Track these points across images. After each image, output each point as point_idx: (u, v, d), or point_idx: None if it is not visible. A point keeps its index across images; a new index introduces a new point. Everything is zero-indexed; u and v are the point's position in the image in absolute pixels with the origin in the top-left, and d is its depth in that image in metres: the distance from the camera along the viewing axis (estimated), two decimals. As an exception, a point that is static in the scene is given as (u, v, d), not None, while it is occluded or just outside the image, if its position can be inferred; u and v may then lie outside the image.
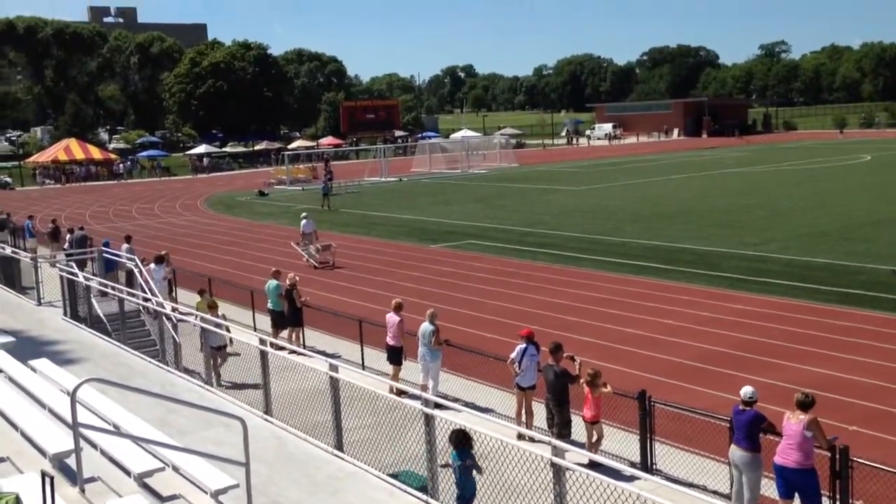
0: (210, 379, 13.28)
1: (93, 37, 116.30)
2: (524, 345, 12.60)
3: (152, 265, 19.42)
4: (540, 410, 12.42)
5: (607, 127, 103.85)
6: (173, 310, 15.10)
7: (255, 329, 17.61)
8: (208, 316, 14.65)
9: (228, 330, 14.37)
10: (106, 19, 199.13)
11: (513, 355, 12.64)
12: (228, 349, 14.97)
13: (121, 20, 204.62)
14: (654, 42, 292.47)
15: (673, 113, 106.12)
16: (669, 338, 17.16)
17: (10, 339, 12.52)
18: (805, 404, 9.18)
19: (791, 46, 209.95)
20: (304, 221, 28.74)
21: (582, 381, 11.58)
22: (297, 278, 18.13)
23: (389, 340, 14.74)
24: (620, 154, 77.05)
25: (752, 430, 9.47)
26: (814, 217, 32.34)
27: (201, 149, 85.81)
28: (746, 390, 9.77)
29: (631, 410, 11.26)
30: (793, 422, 9.16)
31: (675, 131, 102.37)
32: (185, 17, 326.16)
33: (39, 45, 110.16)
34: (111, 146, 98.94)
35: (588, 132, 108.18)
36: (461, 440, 8.46)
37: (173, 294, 21.03)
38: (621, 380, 13.10)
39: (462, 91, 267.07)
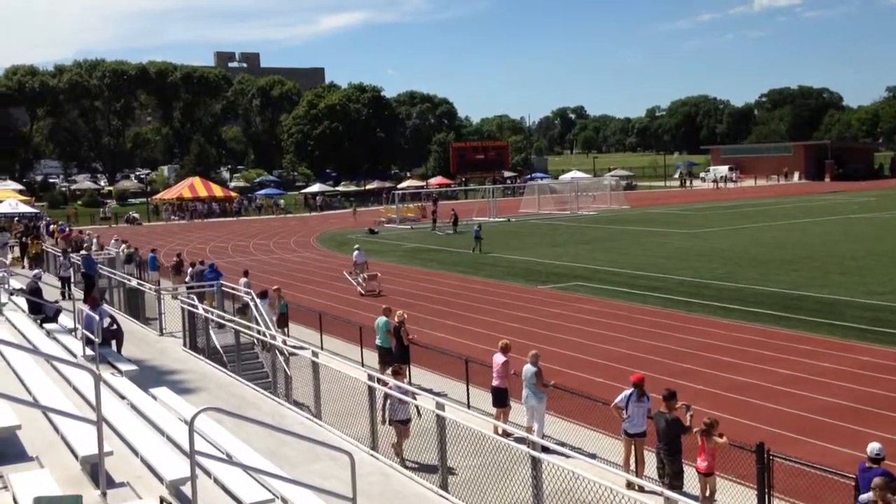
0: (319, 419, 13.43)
1: (218, 81, 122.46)
2: (630, 390, 12.30)
3: (257, 299, 19.94)
4: (651, 459, 12.04)
5: (723, 169, 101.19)
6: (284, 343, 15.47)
7: (362, 365, 17.84)
8: (395, 381, 12.38)
9: (415, 397, 12.21)
10: (231, 64, 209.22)
11: (617, 400, 12.36)
12: (414, 422, 12.23)
13: (244, 65, 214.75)
14: (773, 83, 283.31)
15: (794, 156, 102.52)
16: (789, 389, 16.40)
17: (133, 367, 13.11)
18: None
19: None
20: (356, 253, 31.68)
21: (696, 430, 11.18)
22: (406, 316, 18.30)
23: (495, 381, 14.64)
24: (737, 197, 74.93)
25: (881, 490, 8.89)
26: (947, 266, 30.47)
27: (315, 188, 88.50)
28: (874, 447, 9.22)
29: (748, 464, 10.76)
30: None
31: (796, 175, 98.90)
32: (305, 62, 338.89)
33: (169, 89, 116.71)
34: (232, 184, 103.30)
35: (703, 174, 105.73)
36: None
37: (286, 329, 21.57)
38: (736, 431, 12.57)
39: (572, 132, 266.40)
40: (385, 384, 12.36)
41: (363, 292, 29.56)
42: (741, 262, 33.45)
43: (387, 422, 12.05)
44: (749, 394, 16.18)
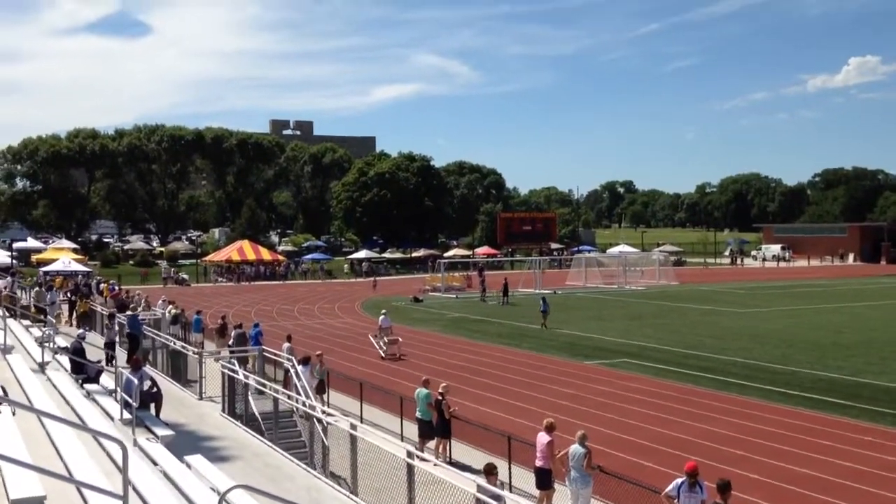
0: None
1: (272, 147, 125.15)
2: (682, 478, 11.65)
3: (299, 366, 19.65)
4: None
5: (776, 248, 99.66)
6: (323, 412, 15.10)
7: (402, 438, 17.34)
8: (486, 485, 10.73)
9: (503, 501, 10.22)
10: (285, 131, 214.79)
11: (668, 489, 11.72)
12: None
13: (298, 132, 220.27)
14: (826, 163, 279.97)
15: (848, 237, 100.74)
16: (850, 482, 15.48)
17: (170, 432, 12.85)
18: None
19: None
20: (381, 317, 32.78)
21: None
22: (448, 387, 17.85)
23: (538, 462, 14.05)
24: (791, 277, 73.35)
25: None
26: None
27: (362, 254, 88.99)
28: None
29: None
30: None
31: (851, 256, 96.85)
32: (357, 131, 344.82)
33: (224, 154, 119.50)
34: (280, 248, 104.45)
35: (754, 253, 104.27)
36: None
37: (324, 395, 21.23)
38: (796, 527, 11.79)
39: (620, 206, 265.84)
40: (426, 460, 11.89)
41: (384, 355, 30.69)
42: (796, 344, 32.36)
43: None
44: (808, 486, 15.30)
